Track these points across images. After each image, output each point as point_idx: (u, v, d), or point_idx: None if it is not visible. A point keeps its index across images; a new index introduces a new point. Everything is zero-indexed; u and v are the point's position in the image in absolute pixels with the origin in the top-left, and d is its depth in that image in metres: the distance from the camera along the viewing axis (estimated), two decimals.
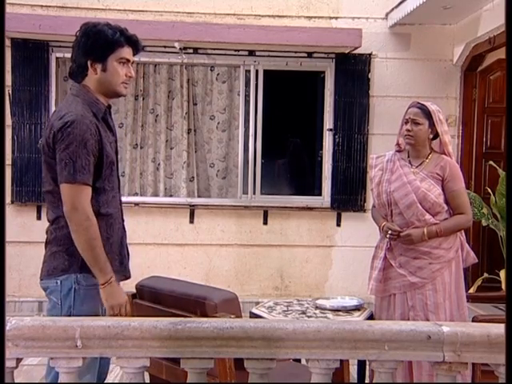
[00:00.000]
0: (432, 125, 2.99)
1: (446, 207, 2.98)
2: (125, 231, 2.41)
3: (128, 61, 2.26)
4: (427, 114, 2.98)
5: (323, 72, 5.62)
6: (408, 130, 2.99)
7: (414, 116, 2.98)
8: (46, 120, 5.23)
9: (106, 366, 2.33)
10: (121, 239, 2.35)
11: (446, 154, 3.05)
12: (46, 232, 2.29)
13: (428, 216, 2.93)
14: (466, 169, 5.55)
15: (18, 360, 1.67)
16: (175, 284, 2.78)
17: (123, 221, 2.41)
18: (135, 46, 2.28)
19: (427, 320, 2.83)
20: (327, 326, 1.68)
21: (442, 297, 2.93)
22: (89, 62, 2.20)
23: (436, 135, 3.03)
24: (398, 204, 2.99)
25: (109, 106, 2.35)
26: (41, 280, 2.27)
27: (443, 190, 2.98)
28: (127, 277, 2.39)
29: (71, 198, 2.11)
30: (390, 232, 2.98)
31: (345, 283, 5.52)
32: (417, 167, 3.04)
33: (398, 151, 3.14)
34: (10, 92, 5.19)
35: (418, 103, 3.04)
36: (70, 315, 2.18)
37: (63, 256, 2.19)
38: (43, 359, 2.03)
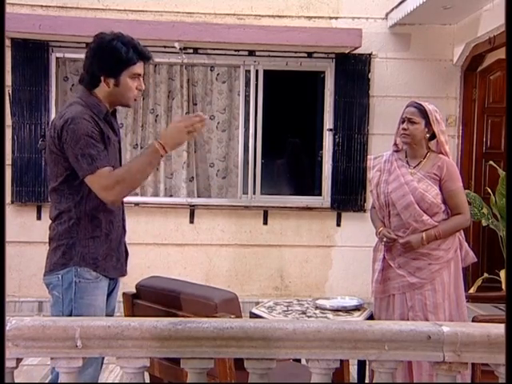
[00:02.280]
0: (428, 124, 2.98)
1: (443, 207, 2.97)
2: (124, 230, 2.47)
3: (140, 75, 2.35)
4: (423, 113, 2.98)
5: (323, 72, 5.62)
6: (404, 129, 2.99)
7: (411, 115, 2.98)
8: (46, 120, 5.25)
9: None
10: (120, 237, 2.41)
11: (443, 154, 3.05)
12: (49, 229, 2.33)
13: (426, 217, 2.93)
14: (465, 169, 5.55)
15: (18, 360, 1.67)
16: (175, 284, 2.78)
17: (124, 220, 2.46)
18: (147, 59, 2.37)
19: (426, 320, 2.83)
20: (327, 326, 1.68)
21: (442, 297, 2.93)
22: (102, 77, 2.29)
23: (434, 135, 3.03)
24: (395, 205, 2.99)
25: (114, 110, 2.44)
26: (44, 276, 2.32)
27: (441, 189, 2.97)
28: (123, 274, 2.45)
29: (99, 185, 2.19)
30: (384, 239, 2.99)
31: (345, 283, 5.52)
32: (414, 167, 3.03)
33: (396, 151, 3.14)
34: (10, 92, 5.19)
35: (415, 103, 3.04)
36: (71, 309, 2.23)
37: (63, 250, 2.25)
38: (43, 359, 2.04)
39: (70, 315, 2.21)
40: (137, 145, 5.55)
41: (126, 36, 2.32)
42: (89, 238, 2.26)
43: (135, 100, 2.40)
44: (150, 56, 2.37)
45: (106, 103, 2.33)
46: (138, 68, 2.32)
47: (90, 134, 2.18)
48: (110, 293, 2.43)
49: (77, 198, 2.24)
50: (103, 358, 2.34)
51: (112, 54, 2.26)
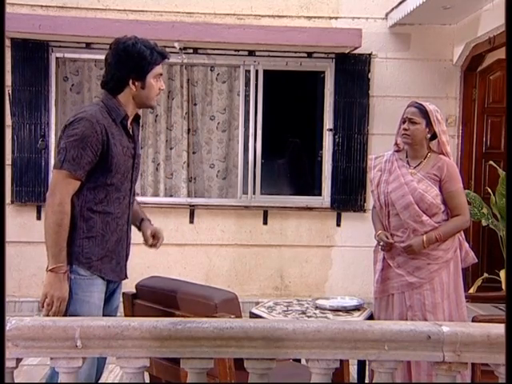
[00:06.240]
0: (429, 124, 2.98)
1: (443, 208, 2.97)
2: (128, 234, 2.47)
3: (161, 75, 2.42)
4: (424, 113, 2.97)
5: (323, 72, 5.62)
6: (405, 129, 2.99)
7: (411, 115, 2.98)
8: (46, 120, 5.25)
9: (102, 362, 2.37)
10: (121, 240, 2.41)
11: (444, 154, 3.05)
12: None
13: (425, 217, 2.92)
14: (465, 169, 5.55)
15: (18, 360, 1.67)
16: (175, 284, 2.78)
17: (129, 224, 2.47)
18: (166, 58, 2.44)
19: (425, 320, 2.83)
20: (327, 326, 1.68)
21: (440, 297, 2.93)
22: (130, 80, 2.34)
23: (435, 135, 3.03)
24: (394, 205, 2.98)
25: (137, 116, 2.49)
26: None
27: (441, 190, 2.97)
28: (122, 278, 2.47)
29: (53, 182, 2.26)
30: (381, 243, 2.99)
31: (345, 283, 5.52)
32: (414, 168, 3.03)
33: (397, 151, 3.14)
34: (10, 92, 5.19)
35: (416, 103, 3.04)
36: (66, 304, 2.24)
37: None
38: (43, 359, 2.04)
39: (66, 311, 2.23)
40: None
41: (142, 38, 2.38)
42: (83, 238, 2.28)
43: (156, 100, 2.45)
44: (167, 54, 2.44)
45: (129, 107, 2.37)
46: (160, 68, 2.40)
47: (83, 136, 2.21)
48: (113, 293, 2.45)
49: (73, 198, 2.25)
50: (105, 358, 2.35)
51: (138, 57, 2.32)
